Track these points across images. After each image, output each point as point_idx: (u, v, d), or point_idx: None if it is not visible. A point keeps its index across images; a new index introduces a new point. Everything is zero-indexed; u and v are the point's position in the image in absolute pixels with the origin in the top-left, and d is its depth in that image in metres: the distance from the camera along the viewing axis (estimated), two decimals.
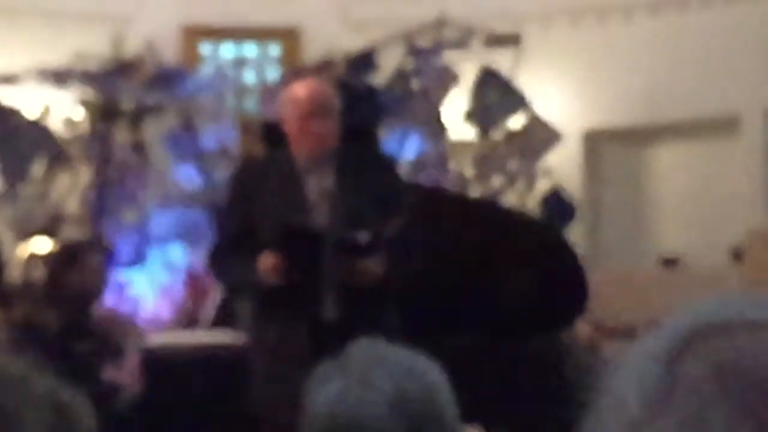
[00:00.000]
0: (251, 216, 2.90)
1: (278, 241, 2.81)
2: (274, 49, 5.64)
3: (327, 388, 1.30)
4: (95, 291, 3.93)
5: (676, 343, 0.51)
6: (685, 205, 5.64)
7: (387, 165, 3.29)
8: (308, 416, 1.33)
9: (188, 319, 5.09)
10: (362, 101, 4.82)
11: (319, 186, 2.87)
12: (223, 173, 4.90)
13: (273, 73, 5.57)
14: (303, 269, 2.81)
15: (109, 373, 3.78)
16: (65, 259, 3.89)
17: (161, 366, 4.05)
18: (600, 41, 5.57)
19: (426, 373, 1.33)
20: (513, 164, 5.28)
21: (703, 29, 5.42)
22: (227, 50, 5.68)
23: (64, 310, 3.78)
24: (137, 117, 5.22)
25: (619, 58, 5.59)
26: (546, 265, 3.76)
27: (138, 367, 3.89)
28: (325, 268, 2.74)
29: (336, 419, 1.28)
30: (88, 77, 5.18)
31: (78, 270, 3.87)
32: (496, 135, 5.30)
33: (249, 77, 5.64)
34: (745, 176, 5.47)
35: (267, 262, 2.72)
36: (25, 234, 4.68)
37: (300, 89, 2.92)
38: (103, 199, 5.19)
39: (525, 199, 5.13)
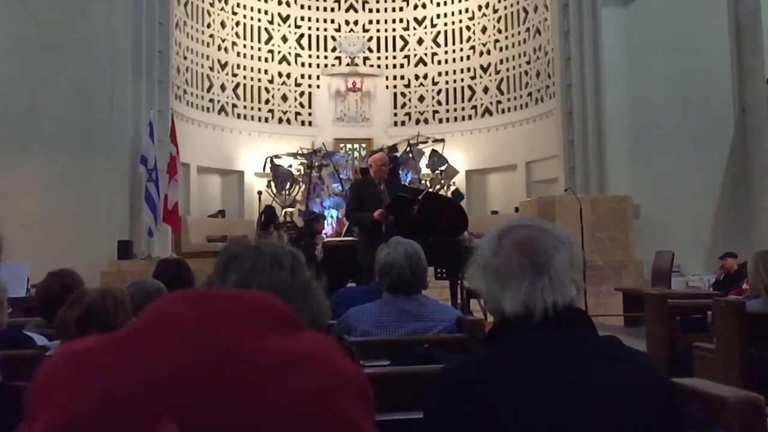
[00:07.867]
0: (360, 198, 6.71)
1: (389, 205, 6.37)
2: (363, 145, 15.36)
3: (382, 251, 2.84)
4: (320, 228, 11.85)
5: (500, 231, 1.28)
6: None
7: (400, 182, 10.13)
8: (376, 262, 2.82)
9: (336, 233, 12.43)
10: (393, 161, 13.63)
11: (382, 188, 6.67)
12: (348, 185, 14.19)
13: (362, 152, 15.20)
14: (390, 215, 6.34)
15: (315, 250, 8.95)
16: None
17: (329, 248, 8.45)
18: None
19: (416, 247, 2.78)
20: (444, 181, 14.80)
21: None
22: (350, 147, 15.37)
23: (304, 233, 10.93)
24: (319, 168, 14.91)
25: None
26: (455, 213, 7.49)
27: (321, 249, 8.67)
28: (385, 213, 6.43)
29: (384, 262, 2.76)
30: (303, 154, 14.87)
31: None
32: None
33: (356, 153, 15.30)
34: None
35: (378, 212, 6.34)
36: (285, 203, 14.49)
37: (375, 156, 7.26)
38: (309, 195, 14.48)
39: (446, 192, 14.53)
